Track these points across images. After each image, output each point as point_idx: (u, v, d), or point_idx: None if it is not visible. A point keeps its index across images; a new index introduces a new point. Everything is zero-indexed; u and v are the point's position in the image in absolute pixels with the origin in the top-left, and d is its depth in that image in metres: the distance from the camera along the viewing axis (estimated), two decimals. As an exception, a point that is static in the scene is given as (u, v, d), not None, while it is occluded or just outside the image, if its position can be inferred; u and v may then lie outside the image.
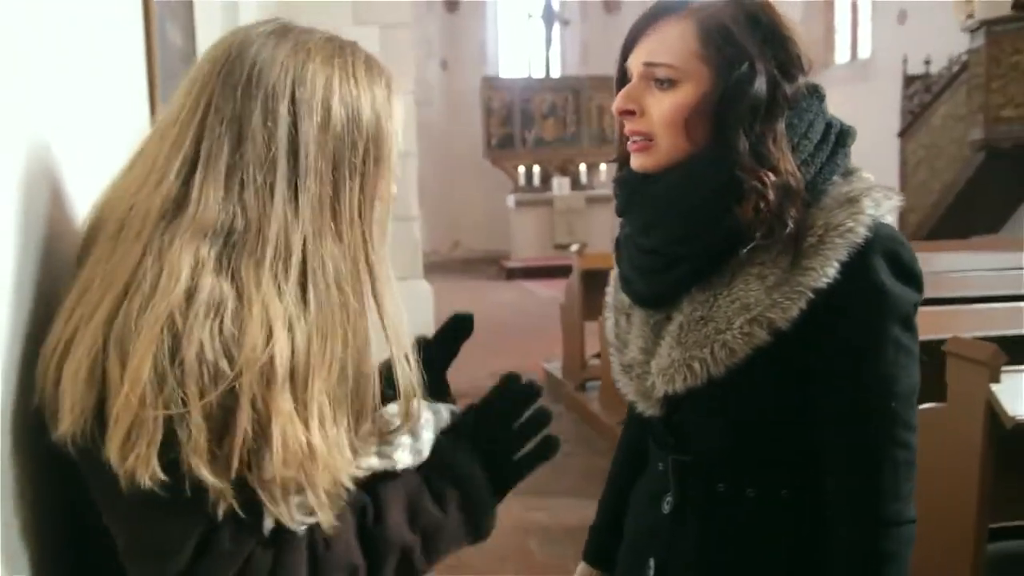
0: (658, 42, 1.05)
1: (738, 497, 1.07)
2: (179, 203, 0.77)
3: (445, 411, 0.93)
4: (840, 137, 1.07)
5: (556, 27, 13.58)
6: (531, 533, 3.45)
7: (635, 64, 1.07)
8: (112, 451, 0.71)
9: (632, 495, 1.25)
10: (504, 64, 14.22)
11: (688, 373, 1.03)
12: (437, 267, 10.93)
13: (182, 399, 0.71)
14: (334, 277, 0.80)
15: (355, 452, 0.83)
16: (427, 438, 0.89)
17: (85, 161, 1.02)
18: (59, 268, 0.88)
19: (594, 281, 5.22)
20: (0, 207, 0.80)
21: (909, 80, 8.64)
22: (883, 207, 1.02)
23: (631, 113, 1.06)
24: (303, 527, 0.79)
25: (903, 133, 8.57)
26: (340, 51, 0.84)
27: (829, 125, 1.06)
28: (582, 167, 12.95)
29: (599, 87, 13.03)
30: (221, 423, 0.73)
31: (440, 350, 0.99)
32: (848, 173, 1.07)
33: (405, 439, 0.87)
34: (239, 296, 0.75)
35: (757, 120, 1.00)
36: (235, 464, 0.73)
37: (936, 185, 8.13)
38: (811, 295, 0.97)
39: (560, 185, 12.62)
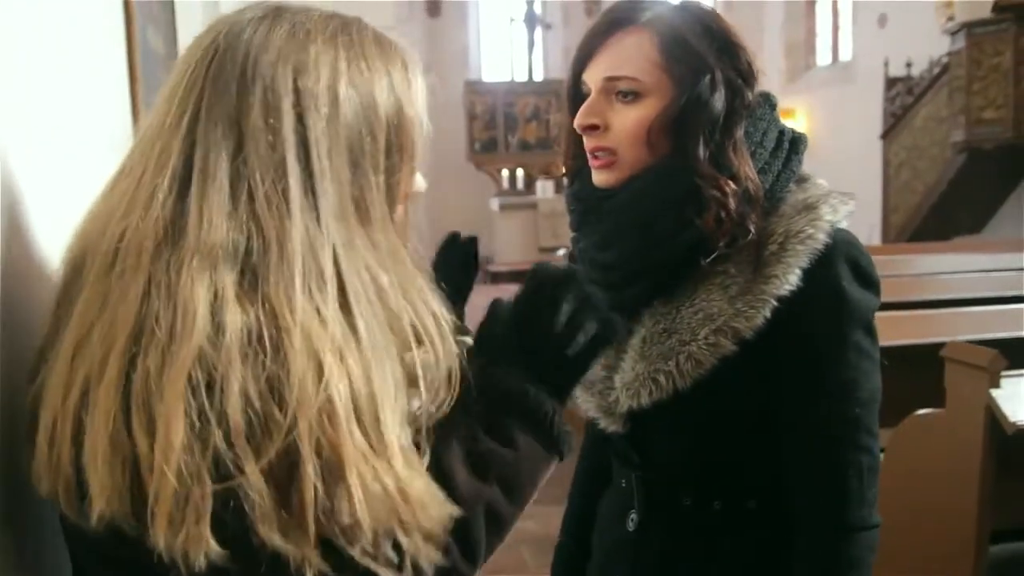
0: (618, 55, 1.03)
1: (704, 511, 1.07)
2: (177, 225, 0.65)
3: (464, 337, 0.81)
4: (793, 144, 1.07)
5: (538, 31, 13.57)
6: (524, 542, 3.41)
7: (593, 78, 1.05)
8: (159, 535, 0.60)
9: (598, 511, 1.24)
10: (487, 68, 14.19)
11: (654, 387, 1.02)
12: (421, 272, 10.81)
13: (234, 463, 0.60)
14: (376, 293, 0.68)
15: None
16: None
17: (62, 174, 0.97)
18: (30, 297, 0.82)
19: (581, 286, 5.19)
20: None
21: (891, 82, 8.68)
22: (840, 212, 1.03)
23: (594, 128, 1.04)
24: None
25: (885, 135, 8.61)
26: (344, 29, 0.72)
27: (781, 133, 1.07)
28: (566, 171, 12.94)
29: (582, 91, 13.05)
30: (285, 480, 0.61)
31: (450, 283, 0.84)
32: (802, 180, 1.08)
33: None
34: (276, 327, 0.62)
35: (717, 130, 1.00)
36: (311, 523, 0.61)
37: (918, 187, 8.17)
38: (775, 303, 0.98)
39: (544, 188, 12.59)
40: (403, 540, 0.65)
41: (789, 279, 0.98)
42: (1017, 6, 6.81)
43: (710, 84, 1.00)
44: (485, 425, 0.76)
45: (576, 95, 1.08)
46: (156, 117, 0.70)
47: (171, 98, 0.70)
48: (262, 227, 0.65)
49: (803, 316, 0.98)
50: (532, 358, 0.79)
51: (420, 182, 0.79)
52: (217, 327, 0.61)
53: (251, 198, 0.65)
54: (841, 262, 0.99)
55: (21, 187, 0.84)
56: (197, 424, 0.59)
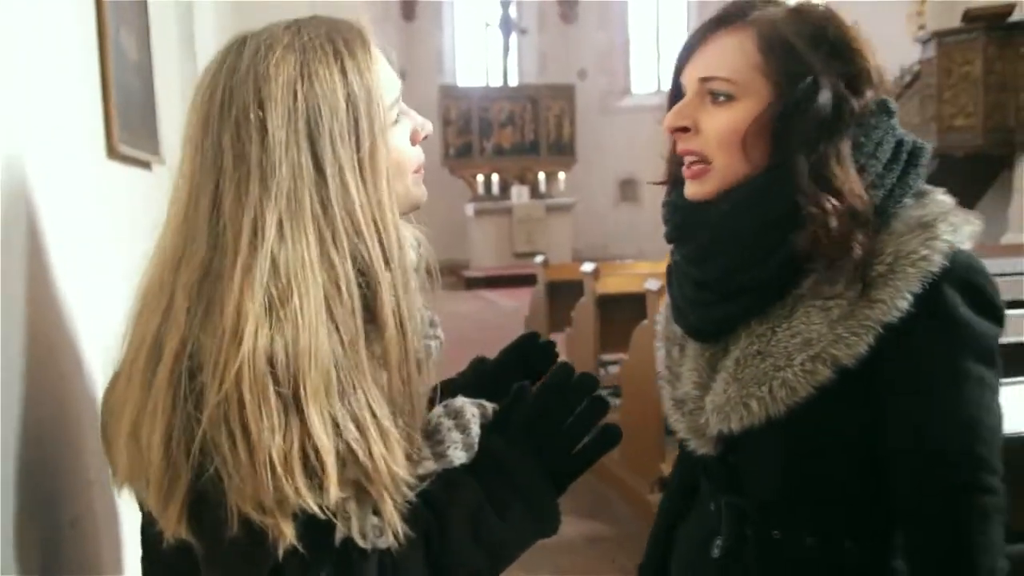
0: (715, 55, 0.98)
1: (795, 545, 0.99)
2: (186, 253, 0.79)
3: (489, 407, 0.90)
4: (912, 155, 0.98)
5: (514, 36, 13.59)
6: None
7: (689, 79, 1.00)
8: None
9: (679, 533, 1.17)
10: (461, 73, 14.17)
11: (745, 412, 0.96)
12: (396, 278, 10.75)
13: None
14: (319, 263, 0.77)
15: (409, 458, 0.81)
16: (476, 432, 0.87)
17: (42, 170, 0.93)
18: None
19: (559, 292, 5.18)
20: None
21: (863, 89, 8.77)
22: (962, 232, 0.94)
23: (684, 130, 0.99)
24: (374, 546, 0.78)
25: (858, 142, 8.70)
26: (299, 32, 0.82)
27: (900, 143, 0.98)
28: (541, 176, 12.96)
29: (557, 96, 13.09)
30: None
31: (513, 363, 1.08)
32: (921, 194, 0.98)
33: (455, 435, 0.86)
34: (216, 301, 0.75)
35: (820, 139, 0.93)
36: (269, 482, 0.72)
37: (890, 193, 8.25)
38: (880, 330, 0.91)
39: (519, 194, 12.61)
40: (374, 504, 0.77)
41: (897, 304, 0.90)
42: (986, 16, 6.92)
43: (812, 87, 0.93)
44: (495, 499, 0.85)
45: (676, 96, 1.03)
46: (183, 168, 0.82)
47: (192, 146, 0.81)
48: (221, 232, 0.77)
49: (914, 346, 0.91)
50: (544, 449, 0.88)
51: (418, 153, 0.89)
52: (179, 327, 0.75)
53: (218, 212, 0.77)
54: (957, 287, 0.91)
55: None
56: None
